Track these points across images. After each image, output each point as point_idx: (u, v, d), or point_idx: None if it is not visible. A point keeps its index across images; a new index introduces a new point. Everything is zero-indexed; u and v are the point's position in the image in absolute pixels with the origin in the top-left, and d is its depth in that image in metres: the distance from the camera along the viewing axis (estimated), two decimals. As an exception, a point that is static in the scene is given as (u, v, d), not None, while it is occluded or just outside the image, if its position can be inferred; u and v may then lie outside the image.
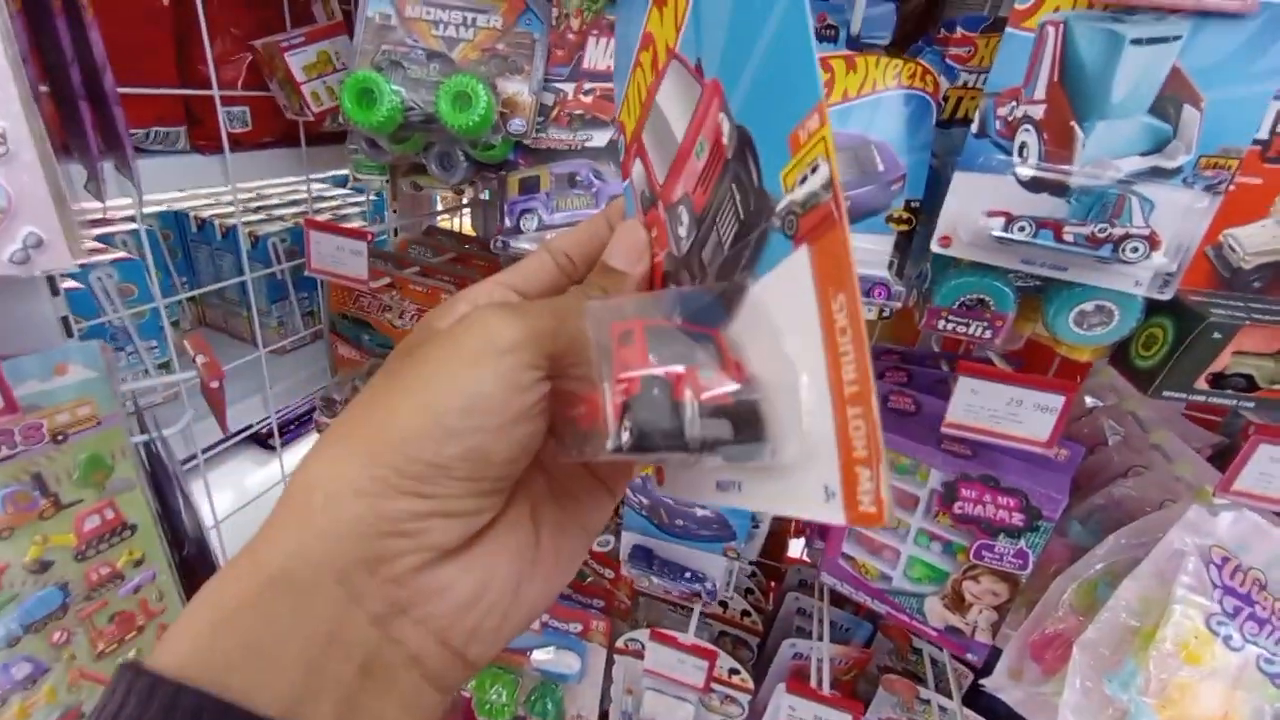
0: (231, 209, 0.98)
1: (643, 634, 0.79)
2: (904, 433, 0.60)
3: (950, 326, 0.46)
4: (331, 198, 1.12)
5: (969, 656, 0.64)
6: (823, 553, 0.72)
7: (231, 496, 1.05)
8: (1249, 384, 0.40)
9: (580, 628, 0.87)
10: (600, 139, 0.49)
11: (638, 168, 0.24)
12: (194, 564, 0.55)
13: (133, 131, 0.61)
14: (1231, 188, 0.38)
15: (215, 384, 0.53)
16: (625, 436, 0.18)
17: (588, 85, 0.49)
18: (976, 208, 0.41)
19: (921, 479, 0.60)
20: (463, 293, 0.26)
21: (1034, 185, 0.40)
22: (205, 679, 0.18)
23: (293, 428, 1.34)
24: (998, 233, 0.39)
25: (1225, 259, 0.42)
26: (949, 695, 0.76)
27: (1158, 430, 0.59)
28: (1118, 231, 0.36)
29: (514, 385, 0.21)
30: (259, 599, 0.19)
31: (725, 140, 0.20)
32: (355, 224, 1.03)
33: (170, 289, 0.91)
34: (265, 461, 1.29)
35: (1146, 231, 0.36)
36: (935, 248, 0.43)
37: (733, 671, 0.83)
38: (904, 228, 0.47)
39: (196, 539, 0.55)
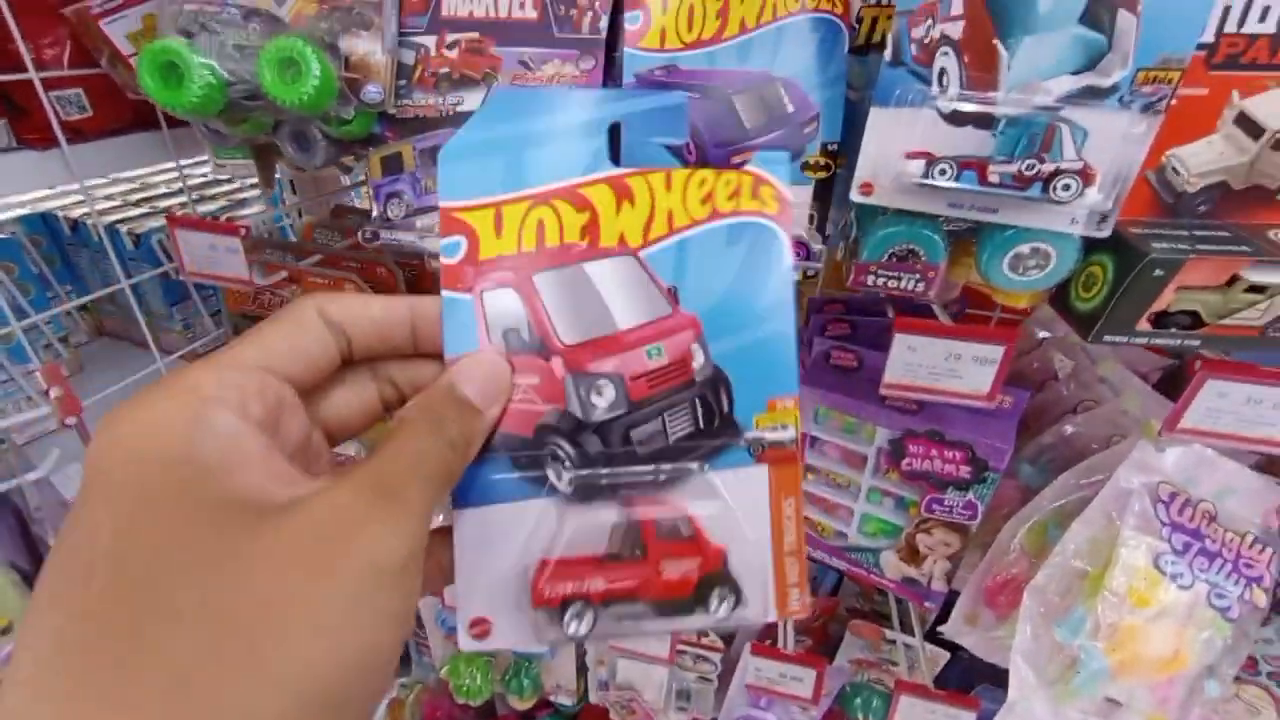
0: (106, 206, 0.88)
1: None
2: (848, 391, 0.57)
3: (880, 282, 0.42)
4: (228, 180, 1.02)
5: (927, 605, 0.64)
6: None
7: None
8: (1194, 320, 0.37)
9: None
10: (472, 101, 0.43)
11: (507, 299, 0.24)
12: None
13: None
14: (1173, 103, 0.34)
15: (72, 421, 0.47)
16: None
17: (451, 37, 0.42)
18: (896, 149, 0.36)
19: (868, 437, 0.57)
20: (187, 380, 0.18)
21: (956, 118, 0.35)
22: None
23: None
24: (918, 178, 0.34)
25: (1168, 182, 0.38)
26: (913, 633, 0.77)
27: (1105, 361, 0.56)
28: (1047, 168, 0.32)
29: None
30: None
31: (696, 366, 0.24)
32: (257, 209, 0.94)
33: (48, 301, 0.82)
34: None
35: (1079, 166, 0.32)
36: (856, 197, 0.38)
37: (701, 634, 0.83)
38: (822, 175, 0.42)
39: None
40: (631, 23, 0.39)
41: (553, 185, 0.24)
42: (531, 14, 0.40)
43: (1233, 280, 0.35)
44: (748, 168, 0.25)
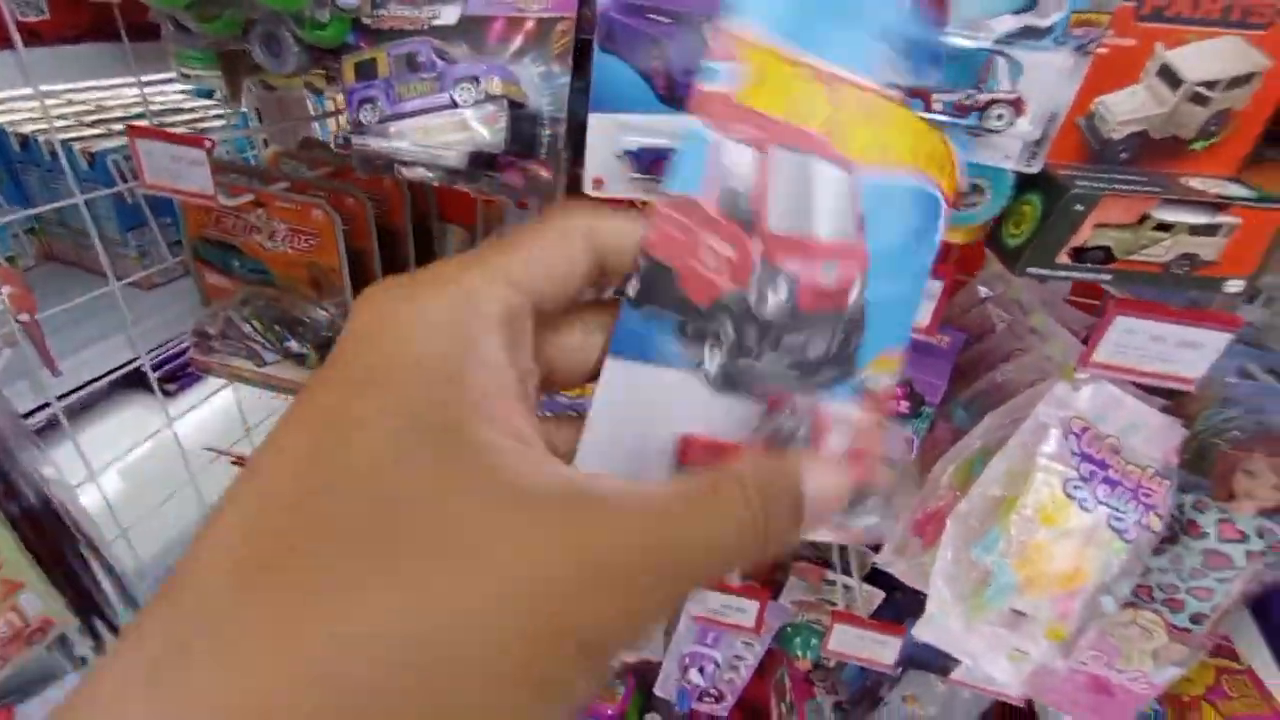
0: (60, 125, 0.84)
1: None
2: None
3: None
4: (189, 110, 0.99)
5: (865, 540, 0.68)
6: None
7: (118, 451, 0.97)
8: (1107, 256, 0.40)
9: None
10: (449, 14, 0.43)
11: (743, 158, 0.22)
12: (36, 518, 0.50)
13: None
14: (1103, 49, 0.37)
15: (26, 317, 0.46)
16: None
17: (427, -55, 0.42)
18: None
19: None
20: (464, 284, 0.16)
21: (908, 52, 0.37)
22: None
23: (189, 373, 1.25)
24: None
25: (1096, 129, 0.41)
26: (851, 574, 0.82)
27: (1036, 314, 0.61)
28: (983, 97, 0.35)
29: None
30: None
31: (850, 299, 0.24)
32: (222, 136, 0.92)
33: (-7, 219, 0.79)
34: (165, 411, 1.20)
35: (1012, 96, 0.35)
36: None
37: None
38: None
39: (37, 493, 0.50)
40: (606, -58, 0.40)
41: (833, 65, 0.23)
42: (508, -73, 0.41)
43: (1143, 219, 0.39)
44: (946, 140, 0.25)
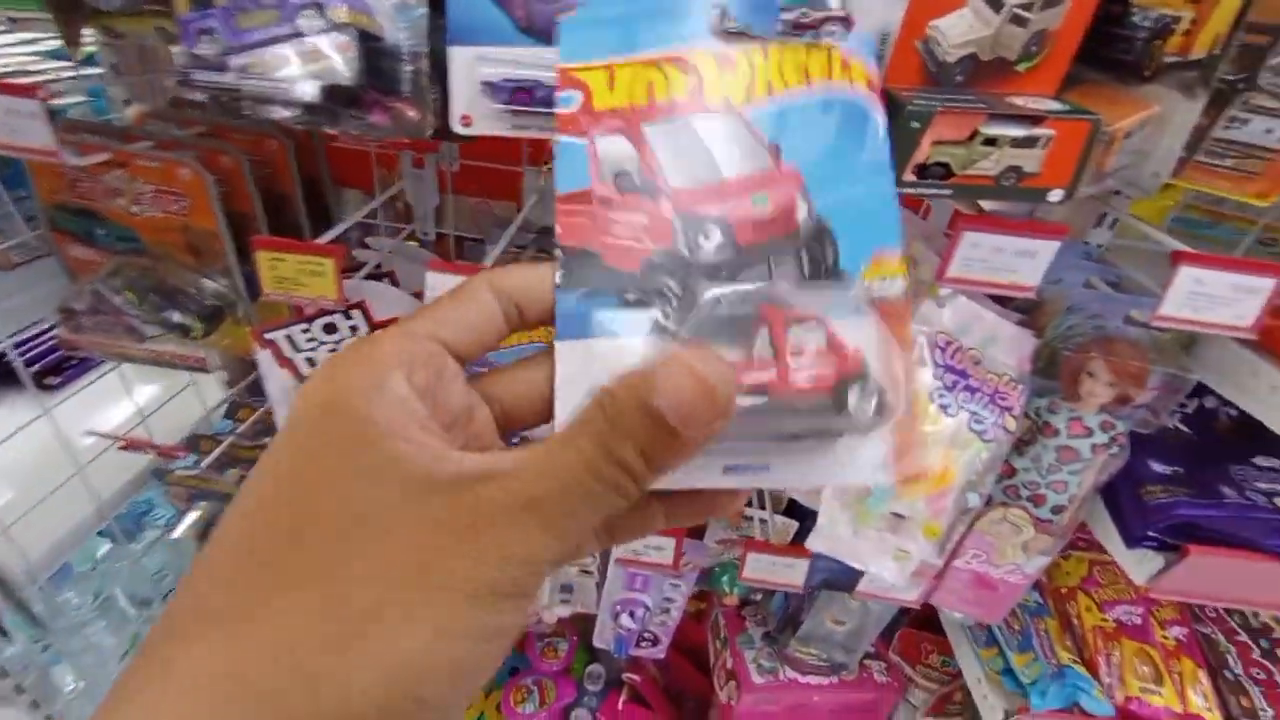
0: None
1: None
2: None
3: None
4: (38, 72, 0.90)
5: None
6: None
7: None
8: (946, 172, 0.43)
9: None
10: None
11: (618, 145, 0.25)
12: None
13: None
14: (929, -28, 0.39)
15: None
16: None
17: None
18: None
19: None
20: (376, 347, 0.20)
21: (751, -26, 0.38)
22: None
23: (74, 364, 1.16)
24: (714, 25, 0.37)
25: (932, 52, 0.43)
26: (766, 508, 0.86)
27: (914, 243, 0.64)
28: (818, 15, 0.36)
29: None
30: None
31: (799, 218, 0.25)
32: (77, 99, 0.84)
33: None
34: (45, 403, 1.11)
35: (843, 13, 0.36)
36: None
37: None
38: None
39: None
40: None
41: (661, 51, 0.26)
42: None
43: (973, 135, 0.42)
44: (836, 45, 0.27)
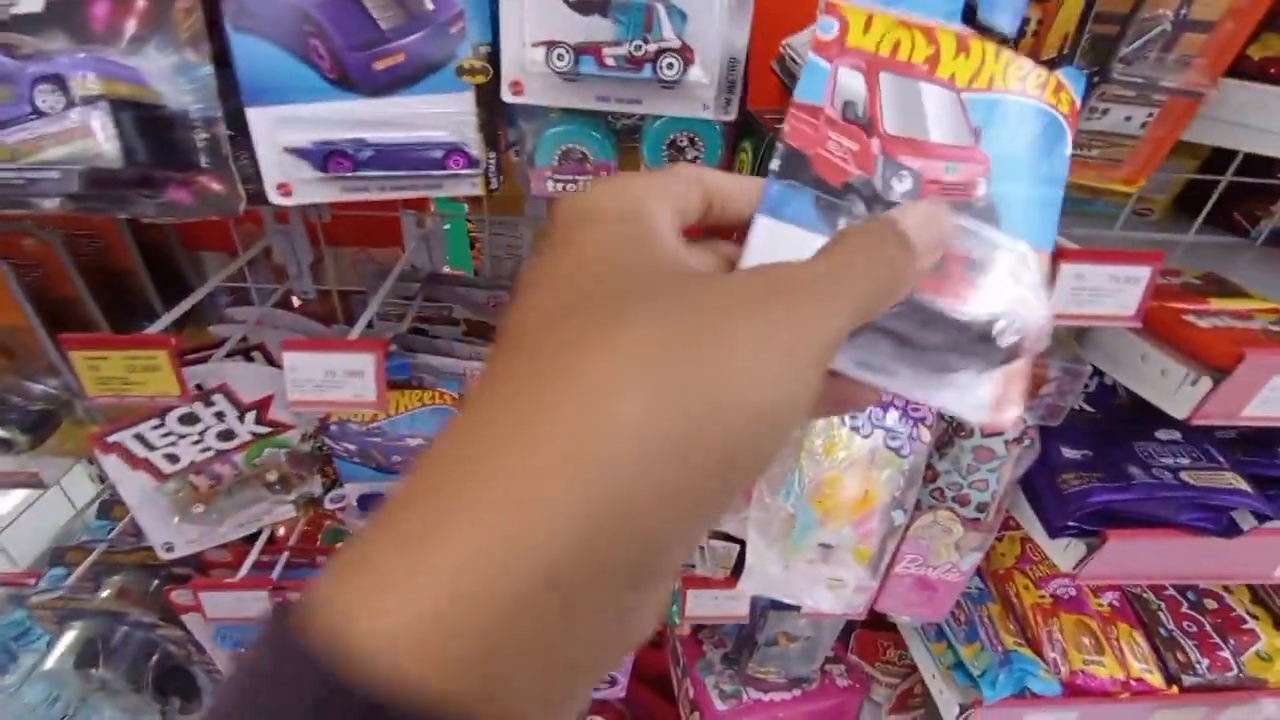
0: None
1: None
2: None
3: (559, 186, 0.42)
4: None
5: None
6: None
7: None
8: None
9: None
10: (25, 1, 0.34)
11: (855, 79, 0.28)
12: None
13: None
14: (773, -12, 0.36)
15: None
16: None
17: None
18: (531, 41, 0.35)
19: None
20: (606, 186, 0.20)
21: (583, 7, 0.34)
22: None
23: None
24: (541, 66, 0.33)
25: (789, 70, 0.41)
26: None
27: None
28: (652, 48, 0.33)
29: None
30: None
31: (977, 194, 0.28)
32: None
33: None
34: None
35: (677, 44, 0.33)
36: (508, 97, 0.37)
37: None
38: (481, 79, 0.40)
39: None
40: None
41: (917, 17, 0.28)
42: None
43: (843, 154, 0.40)
44: (1057, 72, 0.29)
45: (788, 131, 0.27)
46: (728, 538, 0.83)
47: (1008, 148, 0.28)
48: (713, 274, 0.19)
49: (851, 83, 0.28)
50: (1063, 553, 0.60)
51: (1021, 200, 0.28)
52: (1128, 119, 0.48)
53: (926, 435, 0.55)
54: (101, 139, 0.33)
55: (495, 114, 0.41)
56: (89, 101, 0.32)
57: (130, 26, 0.35)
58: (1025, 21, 0.42)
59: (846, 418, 0.52)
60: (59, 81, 0.32)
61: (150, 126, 0.36)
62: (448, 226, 0.99)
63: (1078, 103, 0.30)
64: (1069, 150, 0.29)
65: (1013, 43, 0.41)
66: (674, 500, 0.15)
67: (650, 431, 0.14)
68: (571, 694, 0.15)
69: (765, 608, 0.82)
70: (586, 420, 0.14)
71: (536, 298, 0.18)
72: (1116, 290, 0.47)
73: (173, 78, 0.36)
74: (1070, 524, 0.59)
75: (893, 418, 0.54)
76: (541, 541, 0.13)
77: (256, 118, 0.36)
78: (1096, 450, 0.62)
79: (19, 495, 0.97)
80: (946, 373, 0.27)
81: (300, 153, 0.36)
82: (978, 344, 0.26)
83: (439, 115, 0.39)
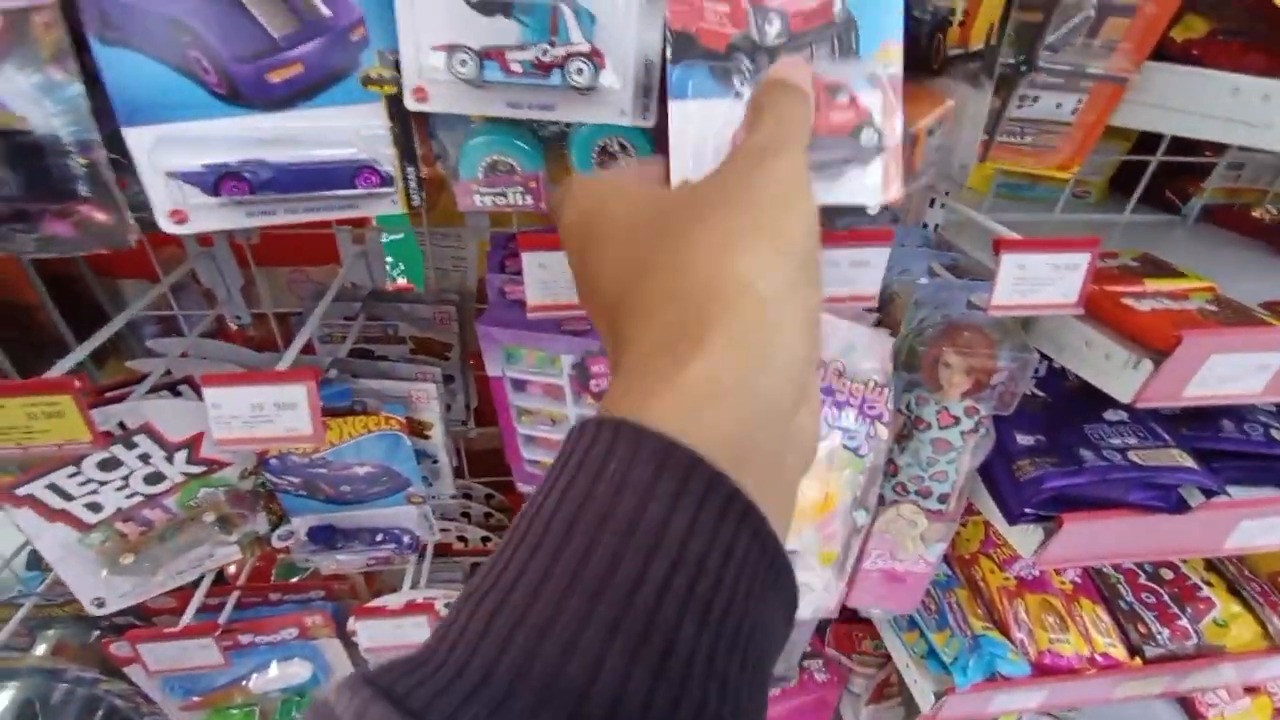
0: None
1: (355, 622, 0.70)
2: (530, 325, 0.55)
3: (487, 201, 0.39)
4: None
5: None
6: (512, 465, 0.68)
7: None
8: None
9: (296, 631, 0.76)
10: None
11: None
12: None
13: None
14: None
15: None
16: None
17: None
18: (430, 44, 0.32)
19: (559, 368, 0.56)
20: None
21: (485, 7, 0.32)
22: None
23: None
24: (443, 72, 0.31)
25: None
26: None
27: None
28: (560, 52, 0.31)
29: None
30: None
31: (835, 10, 0.35)
32: None
33: None
34: None
35: (587, 48, 0.31)
36: (410, 105, 0.34)
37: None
38: (391, 89, 0.37)
39: None
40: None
41: None
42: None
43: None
44: None
45: (670, 17, 0.32)
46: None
47: None
48: (717, 177, 0.23)
49: None
50: (1022, 539, 0.60)
51: (870, 2, 0.35)
52: (1058, 106, 0.47)
53: (883, 432, 0.54)
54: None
55: (410, 126, 0.39)
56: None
57: (-18, 45, 0.31)
58: (951, 12, 0.41)
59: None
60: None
61: (17, 154, 0.33)
62: (399, 238, 0.95)
63: None
64: None
65: (942, 32, 0.42)
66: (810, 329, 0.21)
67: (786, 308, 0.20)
68: (781, 483, 0.21)
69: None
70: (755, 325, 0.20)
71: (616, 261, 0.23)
72: (1057, 278, 0.47)
73: (38, 99, 0.32)
74: (1027, 510, 0.59)
75: (849, 418, 0.53)
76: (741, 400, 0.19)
77: (135, 139, 0.33)
78: (1048, 434, 0.63)
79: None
80: (838, 177, 0.36)
81: (187, 176, 0.33)
82: (854, 148, 0.35)
83: (346, 129, 0.36)
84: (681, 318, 0.20)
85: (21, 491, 0.54)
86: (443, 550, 0.89)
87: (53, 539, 0.58)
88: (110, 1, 0.31)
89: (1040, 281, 0.47)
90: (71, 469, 0.55)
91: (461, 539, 0.89)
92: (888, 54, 0.36)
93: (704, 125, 0.34)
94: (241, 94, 0.34)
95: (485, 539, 0.89)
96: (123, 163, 0.35)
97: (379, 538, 0.68)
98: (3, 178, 0.31)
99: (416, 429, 0.65)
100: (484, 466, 0.92)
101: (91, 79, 0.33)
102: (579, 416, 0.60)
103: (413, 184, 0.40)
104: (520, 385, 0.59)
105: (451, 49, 0.31)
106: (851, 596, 0.71)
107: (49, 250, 0.36)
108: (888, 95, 0.36)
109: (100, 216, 0.35)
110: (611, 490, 0.16)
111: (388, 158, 0.38)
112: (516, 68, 0.31)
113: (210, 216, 0.36)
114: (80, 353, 0.52)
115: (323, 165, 0.36)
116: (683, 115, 0.34)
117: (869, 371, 0.56)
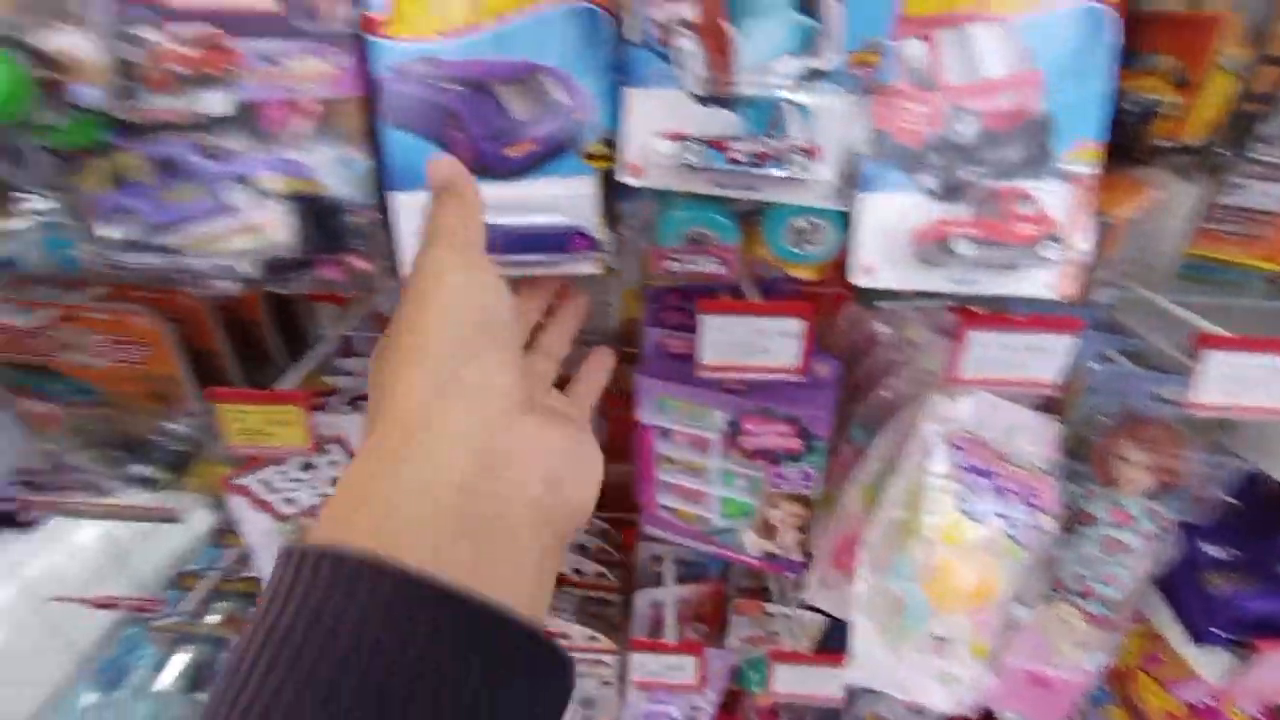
0: None
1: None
2: (685, 379, 0.58)
3: (679, 267, 0.43)
4: None
5: (789, 575, 0.66)
6: (643, 508, 0.70)
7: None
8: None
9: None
10: (219, 103, 0.39)
11: (917, 44, 0.35)
12: None
13: None
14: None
15: None
16: None
17: (186, 29, 0.38)
18: (653, 130, 0.36)
19: (711, 423, 0.58)
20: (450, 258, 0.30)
21: (705, 99, 0.36)
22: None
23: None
24: (671, 158, 0.35)
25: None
26: (790, 604, 0.79)
27: (911, 326, 0.61)
28: (782, 145, 0.34)
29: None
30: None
31: (1034, 109, 0.36)
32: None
33: None
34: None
35: (805, 144, 0.34)
36: (626, 179, 0.38)
37: (590, 639, 0.82)
38: (605, 164, 0.42)
39: None
40: (373, 8, 0.37)
41: None
42: (268, 2, 0.37)
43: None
44: None
45: (874, 116, 0.36)
46: (815, 610, 0.80)
47: (1056, 57, 0.34)
48: None
49: (914, 52, 0.35)
50: (1208, 662, 0.54)
51: (1075, 103, 0.35)
52: (1266, 195, 0.45)
53: (1048, 523, 0.51)
54: (281, 231, 0.36)
55: (611, 194, 0.43)
56: (275, 197, 0.36)
57: (302, 126, 0.39)
58: (1159, 104, 0.41)
59: (960, 503, 0.50)
60: (243, 181, 0.36)
61: (317, 215, 0.40)
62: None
63: None
64: (1112, 36, 0.34)
65: (1148, 124, 0.41)
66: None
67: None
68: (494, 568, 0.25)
69: (859, 687, 0.77)
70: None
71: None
72: (1269, 381, 0.43)
73: (336, 169, 0.40)
74: (1215, 630, 0.53)
75: (1011, 505, 0.50)
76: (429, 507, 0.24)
77: (401, 201, 0.40)
78: (1242, 547, 0.56)
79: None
80: (1013, 276, 0.38)
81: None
82: (1034, 261, 0.38)
83: (559, 198, 0.41)
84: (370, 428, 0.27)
85: (239, 481, 0.63)
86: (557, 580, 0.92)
87: (254, 525, 0.66)
88: (403, 95, 0.37)
89: (1250, 383, 0.43)
90: (279, 467, 0.63)
91: (577, 570, 0.92)
92: (1085, 153, 0.36)
93: (888, 216, 0.37)
94: (484, 167, 0.40)
95: (600, 574, 0.91)
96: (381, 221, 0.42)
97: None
98: (307, 235, 0.38)
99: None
100: (603, 502, 0.94)
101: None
102: (721, 468, 0.62)
103: (611, 248, 0.44)
104: (666, 433, 0.62)
105: (681, 138, 0.35)
106: (989, 694, 0.66)
107: (318, 289, 0.43)
108: (1079, 194, 0.37)
109: (362, 265, 0.42)
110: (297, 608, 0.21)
111: (595, 225, 0.42)
112: (740, 157, 0.34)
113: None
114: (300, 369, 0.61)
115: (538, 230, 0.41)
116: (872, 207, 0.37)
117: (1032, 457, 0.53)
